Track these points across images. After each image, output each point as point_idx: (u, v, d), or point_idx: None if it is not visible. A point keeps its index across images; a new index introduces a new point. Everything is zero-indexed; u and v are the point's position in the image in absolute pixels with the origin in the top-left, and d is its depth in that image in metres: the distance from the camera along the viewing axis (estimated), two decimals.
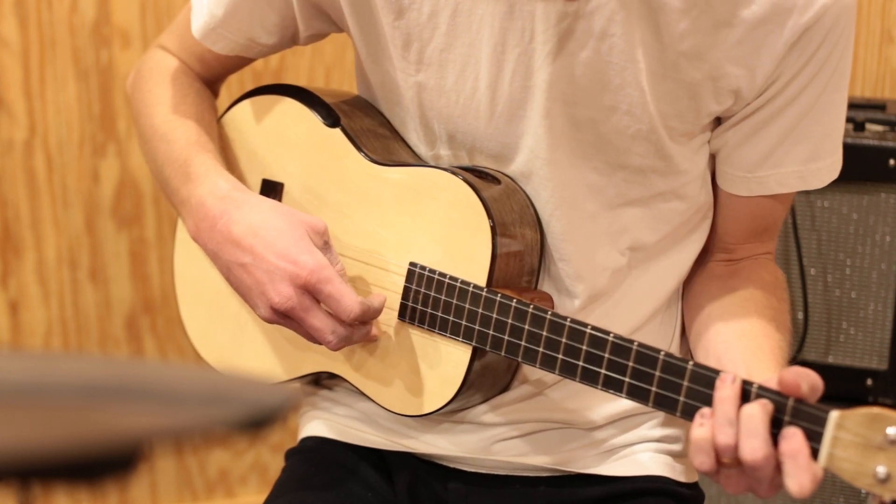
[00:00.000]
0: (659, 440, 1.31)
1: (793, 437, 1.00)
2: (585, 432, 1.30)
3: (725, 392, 1.03)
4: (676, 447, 1.32)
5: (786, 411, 1.01)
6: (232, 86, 1.46)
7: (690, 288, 1.32)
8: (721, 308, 1.25)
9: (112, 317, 2.19)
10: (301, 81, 1.52)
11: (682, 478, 1.32)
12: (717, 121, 1.23)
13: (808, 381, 1.01)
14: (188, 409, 0.63)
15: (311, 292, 1.17)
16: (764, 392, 1.02)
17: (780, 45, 1.14)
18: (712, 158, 1.27)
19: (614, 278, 1.25)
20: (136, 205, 2.16)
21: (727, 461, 1.03)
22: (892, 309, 1.92)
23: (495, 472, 1.31)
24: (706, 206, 1.28)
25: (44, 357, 0.97)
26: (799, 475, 0.99)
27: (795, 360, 1.91)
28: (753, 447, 1.00)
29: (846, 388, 1.92)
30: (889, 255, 1.91)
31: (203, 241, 1.22)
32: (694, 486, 1.34)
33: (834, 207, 1.93)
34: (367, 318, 1.19)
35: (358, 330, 1.20)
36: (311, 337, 1.19)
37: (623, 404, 1.28)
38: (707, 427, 1.03)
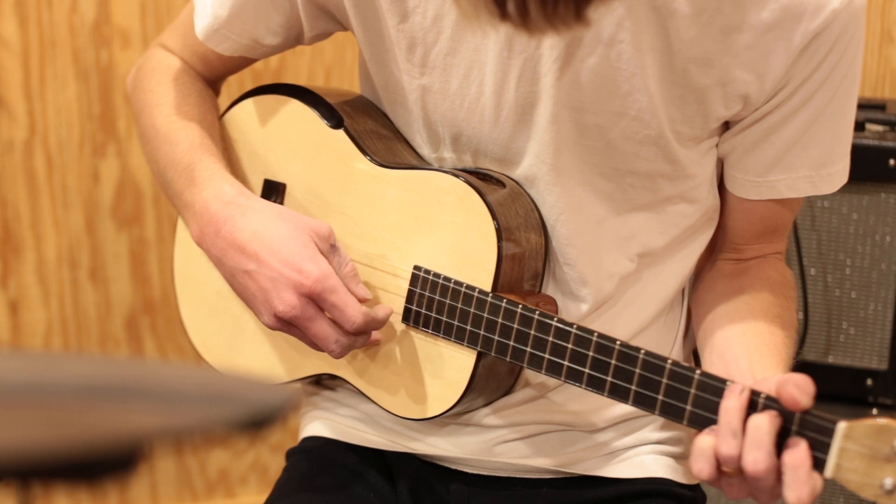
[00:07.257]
0: (660, 442, 1.31)
1: (796, 449, 0.99)
2: (587, 434, 1.29)
3: (731, 402, 1.02)
4: (678, 449, 1.32)
5: (794, 421, 1.00)
6: (232, 86, 1.46)
7: (698, 286, 1.32)
8: (727, 307, 1.25)
9: (112, 317, 2.19)
10: (301, 81, 1.51)
11: (683, 479, 1.32)
12: (725, 125, 1.23)
13: (805, 392, 1.01)
14: (188, 409, 0.63)
15: (315, 301, 1.16)
16: (771, 403, 1.02)
17: (789, 51, 1.14)
18: (719, 162, 1.26)
19: (622, 284, 1.25)
20: (136, 205, 2.16)
21: (729, 471, 1.02)
22: (892, 309, 1.92)
23: (497, 474, 1.30)
24: (713, 209, 1.28)
25: (44, 357, 0.97)
26: (798, 488, 0.99)
27: (796, 360, 1.91)
28: (756, 458, 1.00)
29: (846, 388, 1.92)
30: (889, 255, 1.91)
31: (207, 247, 1.22)
32: (695, 488, 1.34)
33: (834, 207, 1.93)
34: (370, 328, 1.19)
35: (361, 337, 1.19)
36: (314, 344, 1.19)
37: (625, 407, 1.27)
38: (714, 437, 1.03)
